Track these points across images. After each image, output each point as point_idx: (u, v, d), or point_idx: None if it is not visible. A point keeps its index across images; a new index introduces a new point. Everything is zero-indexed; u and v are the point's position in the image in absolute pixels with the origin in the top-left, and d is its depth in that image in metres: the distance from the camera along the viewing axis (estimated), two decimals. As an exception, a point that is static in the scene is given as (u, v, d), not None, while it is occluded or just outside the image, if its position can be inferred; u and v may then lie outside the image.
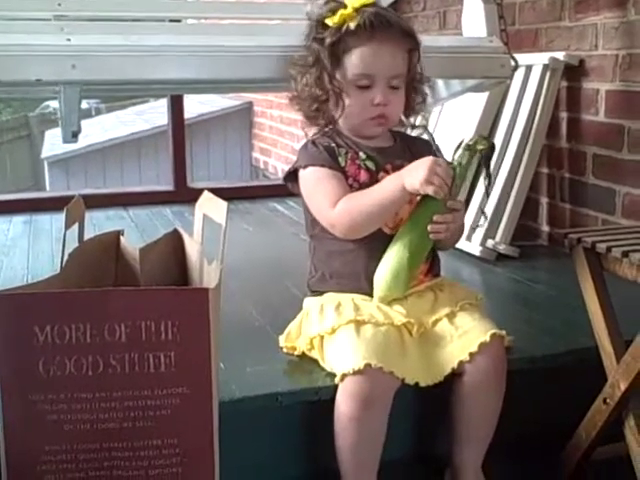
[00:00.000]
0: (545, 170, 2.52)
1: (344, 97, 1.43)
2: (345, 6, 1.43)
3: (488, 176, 1.43)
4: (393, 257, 1.40)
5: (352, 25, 1.40)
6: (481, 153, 1.40)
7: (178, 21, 2.64)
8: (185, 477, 1.11)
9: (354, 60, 1.42)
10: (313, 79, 1.45)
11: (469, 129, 2.50)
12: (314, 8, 1.49)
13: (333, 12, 1.43)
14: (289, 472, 1.43)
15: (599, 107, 2.27)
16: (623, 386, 1.33)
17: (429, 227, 1.37)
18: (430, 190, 1.34)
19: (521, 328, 1.64)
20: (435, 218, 1.37)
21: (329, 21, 1.42)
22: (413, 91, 1.51)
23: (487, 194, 1.55)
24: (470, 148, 1.40)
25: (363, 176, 1.45)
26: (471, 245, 2.31)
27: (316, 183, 1.45)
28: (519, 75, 2.41)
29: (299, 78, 1.49)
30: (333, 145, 1.46)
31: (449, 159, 1.41)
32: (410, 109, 1.52)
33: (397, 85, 1.45)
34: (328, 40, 1.42)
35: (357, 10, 1.41)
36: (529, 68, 2.41)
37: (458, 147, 1.41)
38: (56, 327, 1.04)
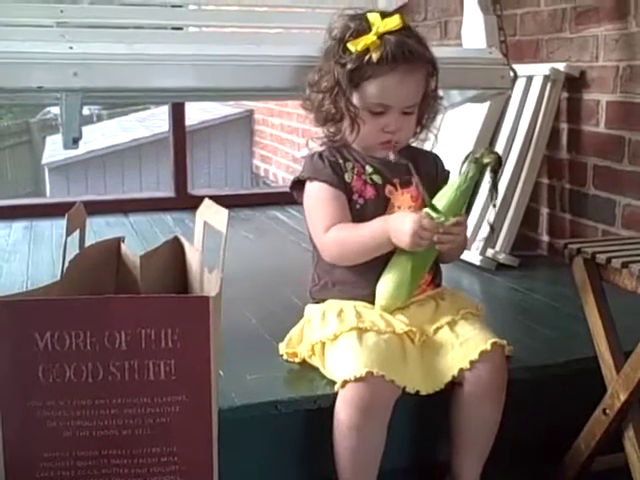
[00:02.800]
0: (545, 180, 2.52)
1: (359, 122, 1.42)
2: (369, 27, 1.39)
3: (494, 189, 1.43)
4: (396, 268, 1.40)
5: (375, 57, 1.37)
6: (487, 166, 1.39)
7: (180, 29, 2.65)
8: (184, 485, 1.11)
9: (373, 89, 1.40)
10: (330, 98, 1.44)
11: (470, 139, 2.50)
12: (337, 22, 1.46)
13: (356, 34, 1.40)
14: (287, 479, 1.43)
15: (600, 118, 2.28)
16: (623, 397, 1.33)
17: (435, 238, 1.37)
18: (419, 250, 1.36)
19: (520, 338, 1.64)
20: (441, 230, 1.37)
21: (352, 47, 1.39)
22: (426, 110, 1.49)
23: (494, 206, 1.55)
24: (477, 161, 1.39)
25: (369, 192, 1.45)
26: (471, 254, 2.31)
27: (316, 203, 1.45)
28: (520, 86, 2.42)
29: (315, 94, 1.47)
30: (340, 161, 1.46)
31: (455, 172, 1.42)
32: (420, 125, 1.51)
33: (411, 111, 1.44)
34: (349, 66, 1.39)
35: (380, 37, 1.38)
36: (530, 79, 2.42)
37: (465, 159, 1.41)
38: (56, 334, 1.03)
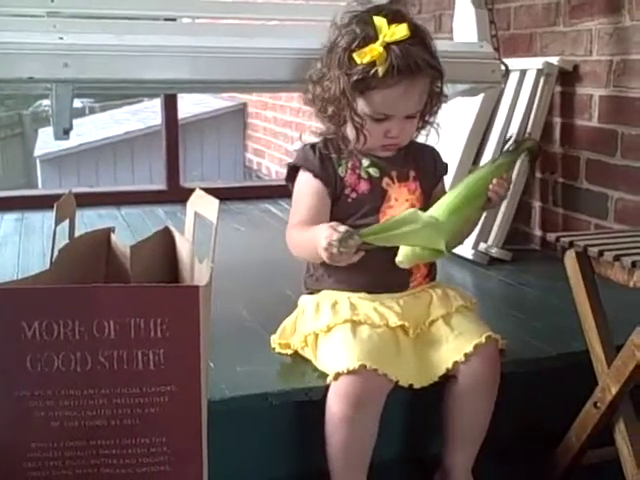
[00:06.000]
0: (538, 174, 2.52)
1: (365, 132, 1.41)
2: (376, 34, 1.36)
3: (532, 172, 1.49)
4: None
5: (381, 71, 1.34)
6: (525, 150, 1.48)
7: (173, 20, 2.63)
8: (173, 476, 1.10)
9: (376, 99, 1.38)
10: (333, 105, 1.42)
11: (463, 133, 2.50)
12: (342, 18, 1.44)
13: (362, 43, 1.37)
14: (278, 472, 1.43)
15: (593, 112, 2.28)
16: (614, 390, 1.33)
17: (491, 186, 1.42)
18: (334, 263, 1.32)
19: (513, 331, 1.64)
20: (495, 181, 1.43)
21: (358, 58, 1.36)
22: (428, 111, 1.48)
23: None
24: (517, 145, 1.47)
25: (362, 186, 1.44)
26: (464, 248, 2.31)
27: (297, 195, 1.47)
28: (513, 79, 2.42)
29: (318, 99, 1.46)
30: (334, 155, 1.45)
31: (496, 155, 1.46)
32: (423, 121, 1.50)
33: (414, 115, 1.44)
34: (355, 77, 1.37)
35: (386, 47, 1.35)
36: (523, 73, 2.42)
37: (505, 143, 1.45)
38: (44, 323, 1.02)
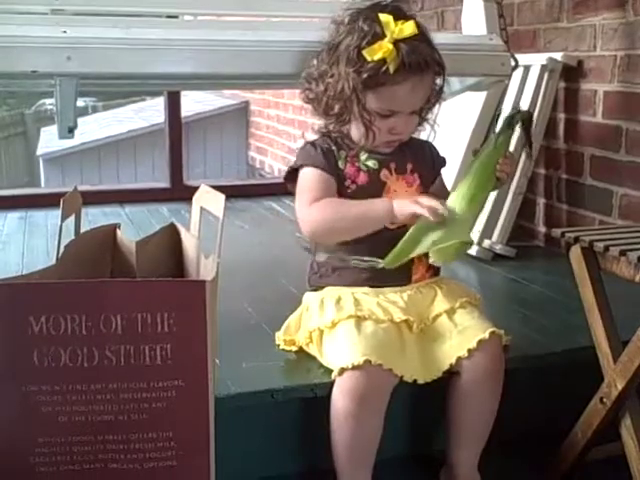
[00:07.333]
0: (542, 171, 2.52)
1: (374, 128, 1.41)
2: (383, 30, 1.36)
3: (529, 143, 1.51)
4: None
5: (392, 68, 1.35)
6: (518, 123, 1.45)
7: (175, 17, 2.64)
8: (180, 471, 1.10)
9: (384, 95, 1.38)
10: (341, 102, 1.42)
11: (467, 130, 2.50)
12: (345, 17, 1.43)
13: (371, 40, 1.36)
14: (284, 468, 1.43)
15: (597, 108, 2.27)
16: (620, 385, 1.32)
17: (498, 166, 1.42)
18: (418, 210, 1.33)
19: (517, 328, 1.64)
20: (501, 161, 1.42)
21: (368, 55, 1.36)
22: (428, 105, 1.48)
23: (532, 157, 1.75)
24: (510, 120, 1.45)
25: (362, 178, 1.45)
26: (468, 245, 2.30)
27: (305, 183, 1.45)
28: (517, 75, 2.41)
29: (323, 95, 1.45)
30: (333, 148, 1.46)
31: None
32: (420, 118, 1.50)
33: (417, 111, 1.45)
34: (365, 75, 1.37)
35: (395, 44, 1.35)
36: (527, 69, 2.41)
37: (496, 120, 1.49)
38: (51, 318, 1.02)
